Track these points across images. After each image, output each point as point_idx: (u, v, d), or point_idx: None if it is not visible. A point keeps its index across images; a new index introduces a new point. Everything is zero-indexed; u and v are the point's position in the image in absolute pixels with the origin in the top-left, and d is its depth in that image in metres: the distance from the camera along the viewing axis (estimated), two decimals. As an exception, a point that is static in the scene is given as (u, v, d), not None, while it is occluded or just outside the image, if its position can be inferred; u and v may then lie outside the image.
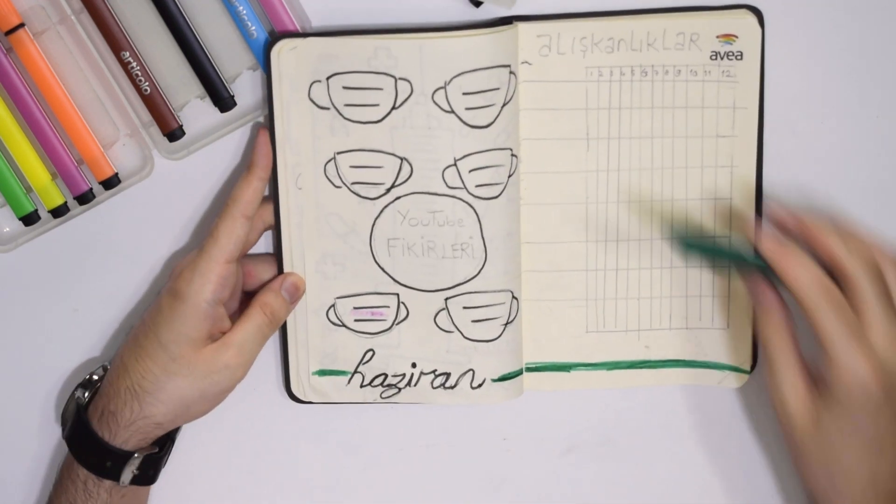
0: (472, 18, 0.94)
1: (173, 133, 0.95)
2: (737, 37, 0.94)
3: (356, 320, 0.97)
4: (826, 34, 0.96)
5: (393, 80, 0.92)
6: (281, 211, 0.95)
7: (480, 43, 0.91)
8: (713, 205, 0.96)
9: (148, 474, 0.94)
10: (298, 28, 0.93)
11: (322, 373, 0.98)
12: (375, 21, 0.94)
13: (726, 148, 0.96)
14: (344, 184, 0.94)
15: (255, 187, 0.92)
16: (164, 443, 0.95)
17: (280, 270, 0.96)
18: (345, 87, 0.92)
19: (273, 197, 0.95)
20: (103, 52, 0.93)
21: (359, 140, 0.93)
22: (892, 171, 0.98)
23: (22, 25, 0.92)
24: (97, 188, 0.95)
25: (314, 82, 0.92)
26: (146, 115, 0.94)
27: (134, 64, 0.93)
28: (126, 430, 0.91)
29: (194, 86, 0.94)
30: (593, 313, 0.98)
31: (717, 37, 0.94)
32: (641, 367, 0.99)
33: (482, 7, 0.94)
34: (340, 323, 0.97)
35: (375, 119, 0.93)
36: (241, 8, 0.93)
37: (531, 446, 1.01)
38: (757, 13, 0.94)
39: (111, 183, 0.95)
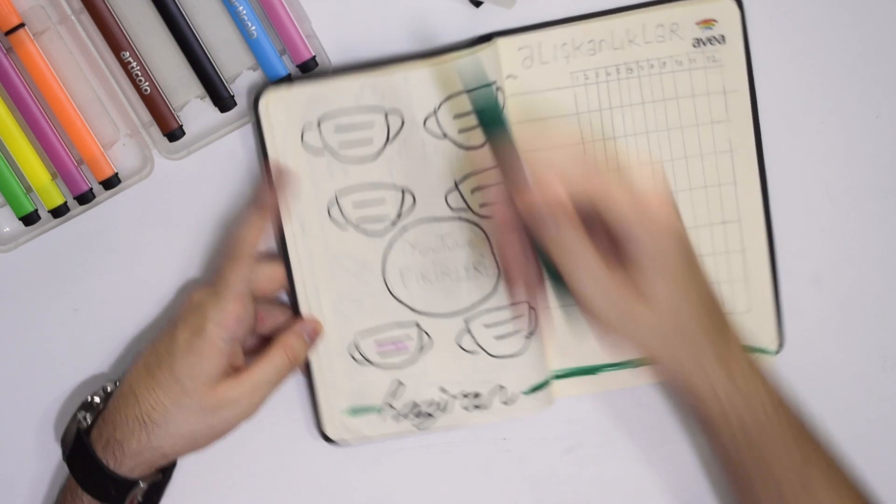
0: (470, 20, 0.95)
1: (173, 133, 0.95)
2: (716, 21, 0.95)
3: (380, 354, 0.97)
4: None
5: (383, 114, 0.93)
6: (291, 259, 0.95)
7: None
8: (718, 191, 0.96)
9: (151, 500, 0.94)
10: (298, 28, 0.93)
11: (354, 411, 0.97)
12: (377, 31, 0.95)
13: (723, 132, 0.96)
14: (349, 223, 0.95)
15: (257, 226, 0.93)
16: (167, 469, 0.95)
17: (296, 313, 0.96)
18: (337, 128, 0.93)
19: (280, 245, 0.96)
20: (103, 52, 0.94)
21: (358, 178, 0.94)
22: (891, 165, 0.98)
23: (22, 25, 0.92)
24: (97, 188, 0.95)
25: (306, 128, 0.93)
26: (146, 115, 0.94)
27: (134, 64, 0.93)
28: (132, 460, 0.91)
29: (194, 86, 0.95)
30: (616, 313, 0.98)
31: (697, 23, 0.95)
32: (673, 361, 0.99)
33: (482, 7, 0.94)
34: (365, 359, 0.97)
35: (371, 155, 0.93)
36: (241, 8, 0.93)
37: (531, 446, 1.00)
38: None
39: (111, 183, 0.95)
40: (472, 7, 0.94)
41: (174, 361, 0.91)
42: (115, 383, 0.95)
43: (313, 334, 0.95)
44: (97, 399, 0.95)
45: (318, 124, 0.93)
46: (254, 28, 0.93)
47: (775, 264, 0.97)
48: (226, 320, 0.91)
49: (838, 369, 1.00)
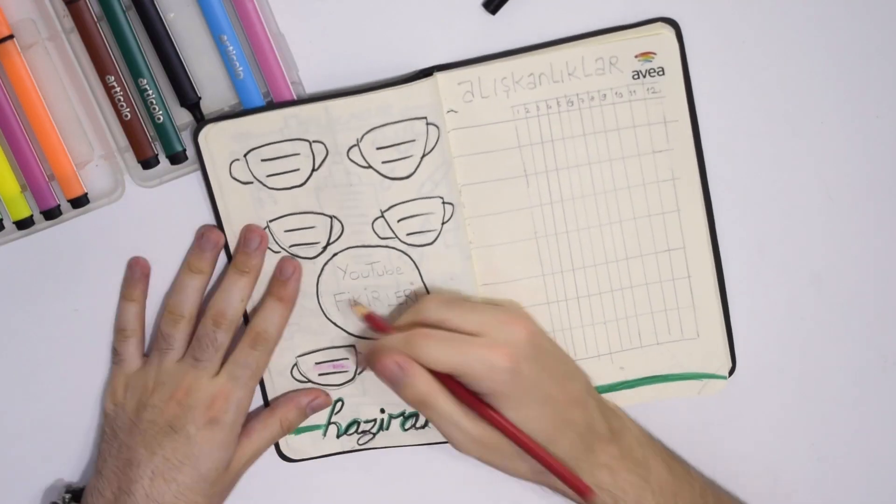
0: (484, 27, 0.96)
1: (148, 161, 0.95)
2: (655, 53, 0.95)
3: (320, 374, 0.99)
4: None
5: (307, 143, 0.94)
6: None
7: (386, 99, 0.93)
8: (662, 219, 0.97)
9: None
10: (285, 74, 0.95)
11: (298, 431, 1.00)
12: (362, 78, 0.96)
13: (665, 162, 0.96)
14: (282, 248, 0.97)
15: (282, 315, 0.96)
16: None
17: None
18: (263, 160, 0.95)
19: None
20: (88, 74, 0.94)
21: (288, 205, 0.96)
22: (891, 165, 0.98)
23: (11, 37, 0.93)
24: (65, 206, 0.95)
25: (233, 161, 0.95)
26: (123, 139, 0.95)
27: (118, 88, 0.93)
28: None
29: (177, 116, 0.95)
30: (562, 343, 0.98)
31: (636, 56, 0.95)
32: (620, 389, 0.99)
33: (497, 17, 0.95)
34: (306, 379, 0.99)
35: (299, 183, 0.95)
36: (231, 48, 0.93)
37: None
38: (674, 25, 0.95)
39: (80, 202, 0.95)
40: (488, 15, 0.95)
41: (197, 461, 0.92)
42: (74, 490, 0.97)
43: (317, 407, 0.98)
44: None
45: (245, 157, 0.94)
46: (241, 69, 0.94)
47: (724, 289, 0.98)
48: (245, 411, 0.95)
49: (838, 369, 1.00)
